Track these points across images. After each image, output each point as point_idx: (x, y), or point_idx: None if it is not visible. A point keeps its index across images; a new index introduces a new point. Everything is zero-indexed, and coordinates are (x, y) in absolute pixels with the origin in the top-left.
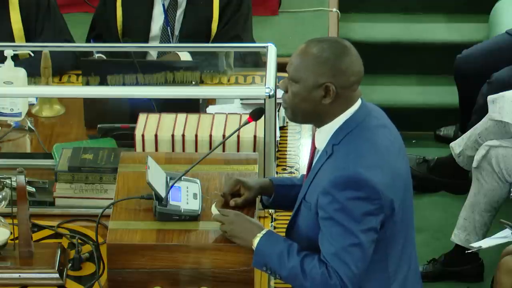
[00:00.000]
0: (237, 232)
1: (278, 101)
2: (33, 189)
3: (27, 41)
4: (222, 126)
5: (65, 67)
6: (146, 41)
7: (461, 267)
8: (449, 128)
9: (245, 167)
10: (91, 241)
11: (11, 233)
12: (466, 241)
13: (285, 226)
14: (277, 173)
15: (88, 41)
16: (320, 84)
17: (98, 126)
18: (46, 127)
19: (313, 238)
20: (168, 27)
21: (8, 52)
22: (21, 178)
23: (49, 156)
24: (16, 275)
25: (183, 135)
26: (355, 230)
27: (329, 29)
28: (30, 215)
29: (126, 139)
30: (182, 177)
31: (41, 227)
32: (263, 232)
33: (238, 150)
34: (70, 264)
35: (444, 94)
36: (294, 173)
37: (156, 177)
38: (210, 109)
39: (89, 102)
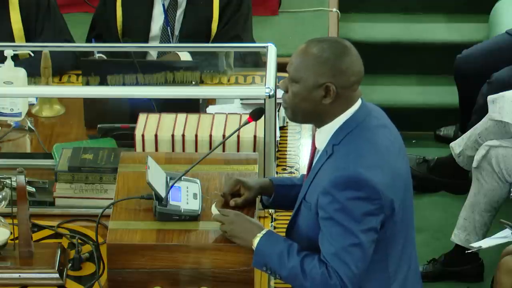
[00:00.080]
0: (237, 232)
1: (278, 101)
2: (33, 189)
3: (27, 41)
4: (222, 126)
5: (65, 67)
6: (146, 41)
7: (461, 267)
8: (449, 128)
9: (245, 167)
10: (91, 241)
11: (11, 233)
12: (466, 241)
13: (285, 226)
14: (277, 173)
15: (88, 41)
16: (320, 84)
17: (98, 126)
18: (46, 127)
19: (313, 238)
20: (168, 27)
21: (8, 52)
22: (21, 178)
23: (49, 156)
24: (16, 275)
25: (183, 135)
26: (355, 230)
27: (329, 29)
28: (30, 215)
29: (126, 139)
30: (182, 177)
31: (41, 227)
32: (263, 232)
33: (238, 150)
34: (70, 264)
35: (444, 94)
36: (294, 173)
37: (156, 177)
38: (210, 109)
39: (89, 102)
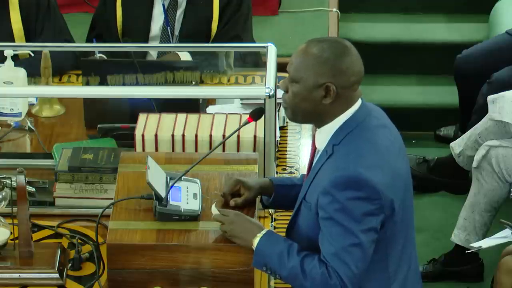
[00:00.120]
0: (237, 232)
1: (278, 101)
2: (33, 189)
3: (27, 41)
4: (222, 126)
5: (65, 67)
6: (146, 41)
7: (461, 267)
8: (449, 128)
9: (245, 167)
10: (91, 241)
11: (11, 233)
12: (466, 241)
13: (285, 226)
14: (277, 173)
15: (88, 41)
16: (321, 84)
17: (98, 126)
18: (46, 127)
19: (313, 238)
20: (168, 27)
21: (8, 52)
22: (21, 178)
23: (49, 156)
24: (16, 275)
25: (183, 135)
26: (355, 230)
27: (329, 29)
28: (30, 215)
29: (126, 139)
30: (182, 177)
31: (41, 227)
32: (263, 232)
33: (238, 150)
34: (70, 264)
35: (444, 94)
36: (294, 173)
37: (156, 177)
38: (210, 109)
39: (89, 102)
